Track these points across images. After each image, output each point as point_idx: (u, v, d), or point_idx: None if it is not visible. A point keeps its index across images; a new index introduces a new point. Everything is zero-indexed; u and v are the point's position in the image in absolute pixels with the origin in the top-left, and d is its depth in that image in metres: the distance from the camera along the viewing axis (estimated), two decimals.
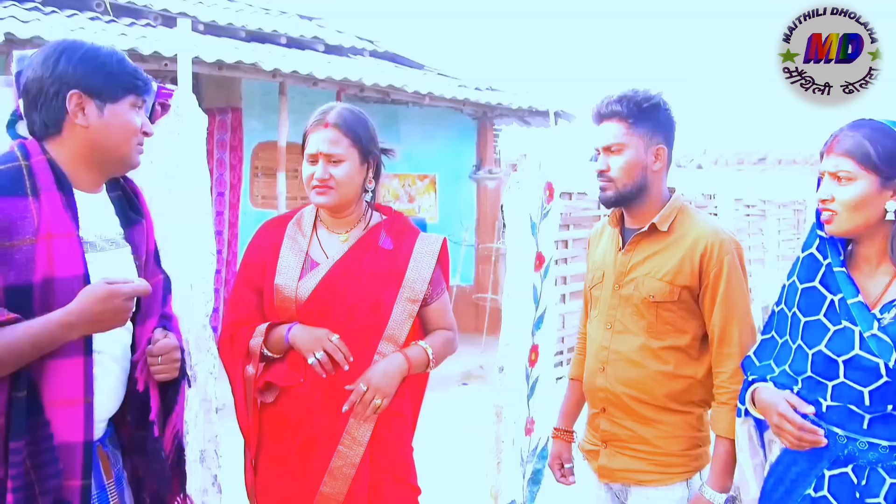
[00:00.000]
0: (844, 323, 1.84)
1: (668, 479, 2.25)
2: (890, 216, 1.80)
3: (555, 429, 2.62)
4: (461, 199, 10.04)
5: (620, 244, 2.34)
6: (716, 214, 5.95)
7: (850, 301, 1.83)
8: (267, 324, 2.23)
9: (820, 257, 1.93)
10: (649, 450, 2.26)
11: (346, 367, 2.16)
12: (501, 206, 3.70)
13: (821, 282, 1.92)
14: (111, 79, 1.79)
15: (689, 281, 2.22)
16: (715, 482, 2.17)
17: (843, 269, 1.88)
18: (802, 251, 1.98)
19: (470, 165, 10.07)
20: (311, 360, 2.15)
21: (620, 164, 2.24)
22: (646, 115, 2.24)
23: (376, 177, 2.31)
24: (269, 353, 2.23)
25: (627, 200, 2.28)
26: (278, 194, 7.65)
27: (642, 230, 2.28)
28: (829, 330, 1.87)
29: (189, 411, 2.55)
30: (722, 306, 2.20)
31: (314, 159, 2.22)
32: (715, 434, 2.24)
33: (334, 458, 2.17)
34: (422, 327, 2.35)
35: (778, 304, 2.03)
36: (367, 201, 2.34)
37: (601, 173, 2.28)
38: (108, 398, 1.82)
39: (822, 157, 1.89)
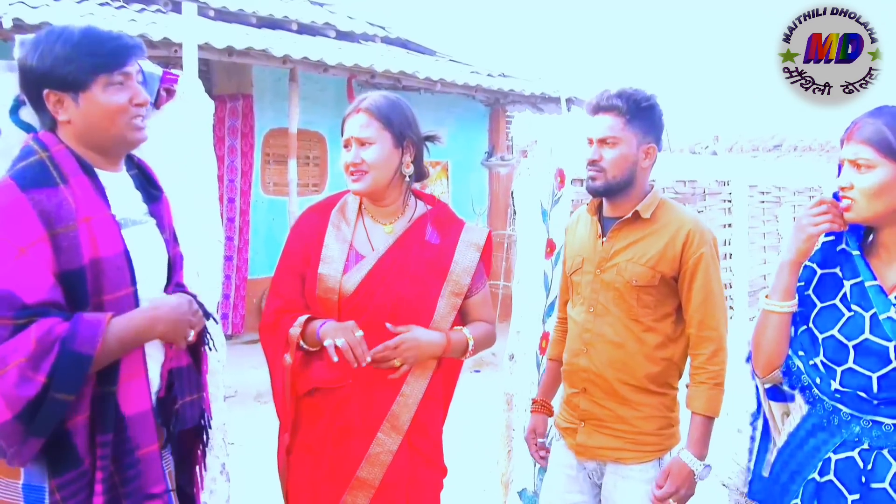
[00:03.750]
0: (855, 308, 1.84)
1: (643, 457, 2.39)
2: None
3: (534, 400, 2.74)
4: (473, 186, 10.02)
5: (600, 232, 2.45)
6: (730, 202, 5.91)
7: (867, 284, 1.82)
8: (307, 316, 2.21)
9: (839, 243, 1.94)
10: (626, 428, 2.40)
11: (356, 365, 2.12)
12: (512, 193, 3.67)
13: (839, 267, 1.91)
14: (72, 67, 1.73)
15: (669, 266, 2.36)
16: (693, 449, 2.32)
17: (859, 252, 1.87)
18: (826, 236, 1.97)
19: (482, 152, 10.04)
20: (326, 342, 2.12)
21: (613, 157, 2.36)
22: (642, 114, 2.37)
23: (416, 162, 2.29)
24: (305, 346, 2.21)
25: (613, 192, 2.40)
26: (289, 181, 7.64)
27: (625, 218, 2.40)
28: (843, 315, 1.86)
29: None
30: (701, 292, 2.34)
31: (348, 145, 2.23)
32: (692, 411, 2.36)
33: (373, 445, 2.18)
34: (461, 319, 2.34)
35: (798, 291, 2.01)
36: (408, 188, 2.33)
37: (593, 163, 2.38)
38: (154, 370, 1.89)
39: (842, 144, 1.88)
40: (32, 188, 1.67)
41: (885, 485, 1.77)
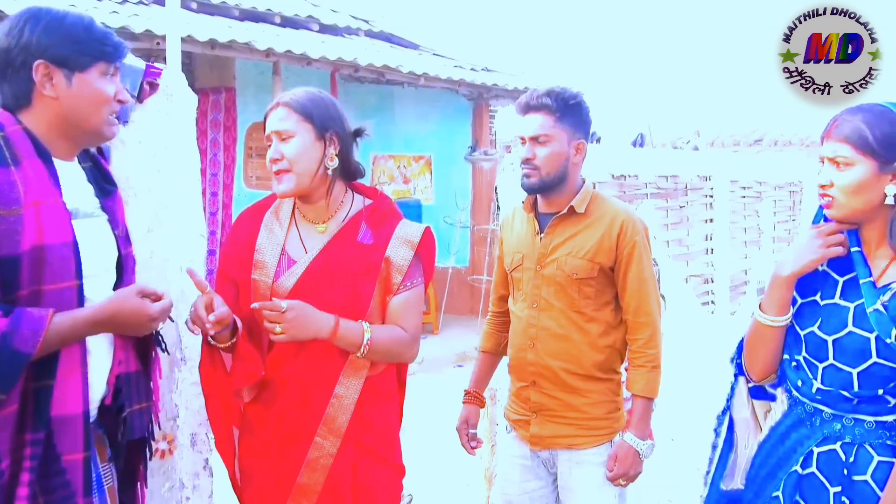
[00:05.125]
0: (840, 301, 1.85)
1: (595, 441, 2.48)
2: (889, 200, 1.78)
3: (466, 391, 2.78)
4: (457, 181, 10.00)
5: (538, 228, 2.52)
6: (711, 197, 5.95)
7: (862, 280, 1.82)
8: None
9: None
10: (577, 415, 2.48)
11: (208, 331, 2.01)
12: (496, 188, 3.68)
13: (829, 265, 1.91)
14: (78, 47, 1.72)
15: (606, 257, 2.44)
16: (636, 430, 2.43)
17: (858, 248, 1.87)
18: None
19: (465, 146, 10.03)
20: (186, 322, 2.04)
21: (546, 154, 2.43)
22: (571, 111, 2.46)
23: (343, 156, 2.18)
24: (212, 341, 2.11)
25: (548, 188, 2.47)
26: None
27: (561, 213, 2.48)
28: (822, 311, 1.87)
29: (180, 395, 2.53)
30: (636, 280, 2.44)
31: (269, 141, 2.15)
32: (632, 393, 2.47)
33: (311, 450, 2.12)
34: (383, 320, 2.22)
35: None
36: (345, 183, 2.23)
37: (527, 161, 2.45)
38: (100, 375, 1.80)
39: (822, 141, 1.87)
40: None
41: (867, 477, 1.79)
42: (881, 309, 1.77)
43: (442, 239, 8.69)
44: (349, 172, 2.23)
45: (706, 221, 5.80)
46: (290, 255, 2.18)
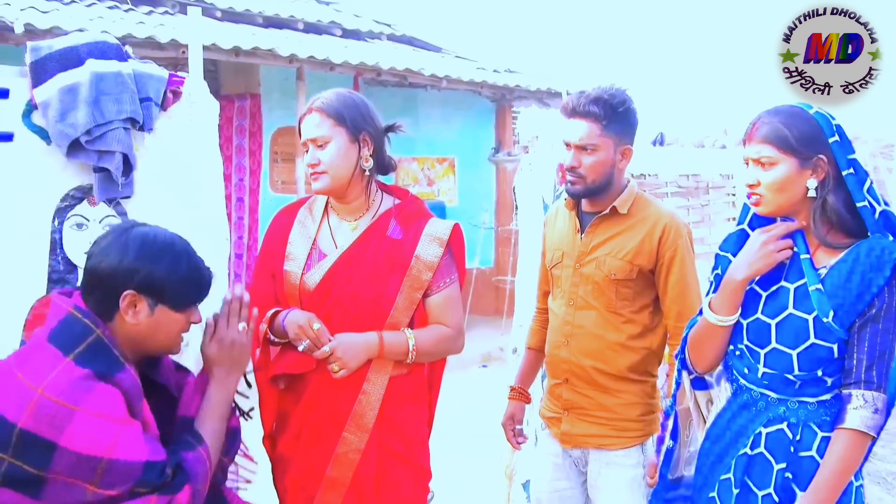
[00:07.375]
0: (784, 283, 1.93)
1: (626, 443, 2.45)
2: (811, 193, 1.90)
3: (511, 387, 2.78)
4: (480, 182, 10.04)
5: (579, 227, 2.49)
6: (734, 195, 5.93)
7: (803, 256, 1.92)
8: (273, 310, 2.26)
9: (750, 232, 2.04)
10: (609, 416, 2.46)
11: (322, 357, 2.16)
12: (514, 188, 3.71)
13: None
14: (177, 292, 1.79)
15: (647, 260, 2.41)
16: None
17: (800, 232, 1.95)
18: (738, 225, 2.09)
19: (489, 148, 10.06)
20: (300, 349, 2.16)
21: (592, 163, 2.39)
22: (619, 118, 2.39)
23: (377, 154, 2.26)
24: (275, 339, 2.25)
25: (593, 194, 2.45)
26: (297, 179, 7.70)
27: (602, 213, 2.44)
28: (761, 297, 1.97)
29: None
30: (678, 284, 2.40)
31: (306, 147, 2.24)
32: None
33: (339, 445, 2.19)
34: (422, 319, 2.29)
35: (716, 278, 2.10)
36: (376, 182, 2.31)
37: (572, 169, 2.40)
38: None
39: (744, 143, 1.98)
40: (111, 373, 1.68)
41: (813, 452, 1.89)
42: (821, 287, 1.87)
43: (467, 240, 8.72)
44: (383, 168, 2.30)
45: (728, 220, 5.78)
46: (320, 249, 2.26)
